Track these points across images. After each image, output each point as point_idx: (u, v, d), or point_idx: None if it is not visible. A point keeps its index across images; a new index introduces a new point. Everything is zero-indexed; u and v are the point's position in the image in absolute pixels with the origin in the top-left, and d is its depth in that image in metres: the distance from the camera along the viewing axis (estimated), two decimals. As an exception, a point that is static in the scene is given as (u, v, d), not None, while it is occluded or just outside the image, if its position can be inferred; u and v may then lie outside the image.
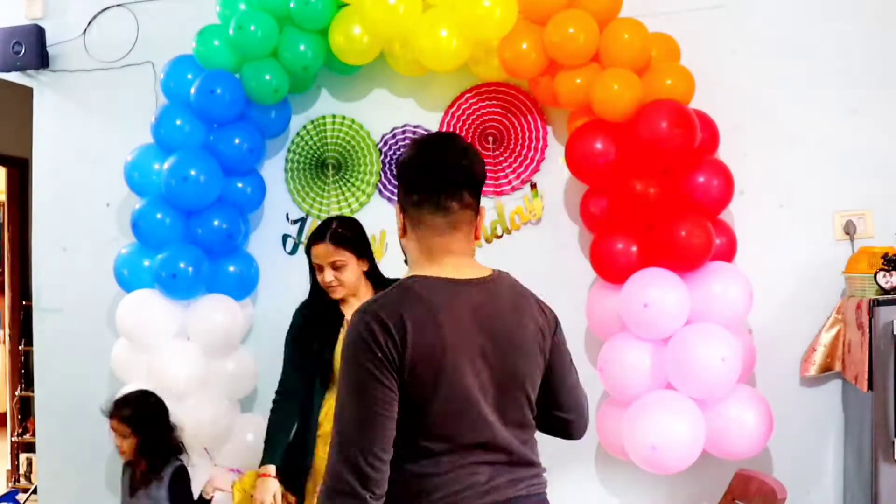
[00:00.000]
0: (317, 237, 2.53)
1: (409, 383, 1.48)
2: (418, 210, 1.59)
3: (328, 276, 2.51)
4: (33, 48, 3.73)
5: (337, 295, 2.55)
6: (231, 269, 3.31)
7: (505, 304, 1.61)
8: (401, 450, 1.50)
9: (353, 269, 2.52)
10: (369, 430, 1.45)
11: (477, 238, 1.65)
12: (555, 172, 3.24)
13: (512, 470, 1.59)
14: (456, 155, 1.60)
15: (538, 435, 1.73)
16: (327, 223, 2.56)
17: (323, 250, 2.50)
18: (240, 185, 3.33)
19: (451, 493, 1.52)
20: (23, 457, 5.14)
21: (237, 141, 3.22)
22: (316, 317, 2.60)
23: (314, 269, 2.58)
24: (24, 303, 5.35)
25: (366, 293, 2.54)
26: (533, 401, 1.64)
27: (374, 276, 2.60)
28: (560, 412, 1.75)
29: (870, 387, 2.53)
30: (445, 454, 1.53)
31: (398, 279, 1.63)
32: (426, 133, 3.38)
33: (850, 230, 2.96)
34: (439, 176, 1.58)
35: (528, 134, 3.29)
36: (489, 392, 1.55)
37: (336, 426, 1.49)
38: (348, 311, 2.55)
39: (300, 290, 3.52)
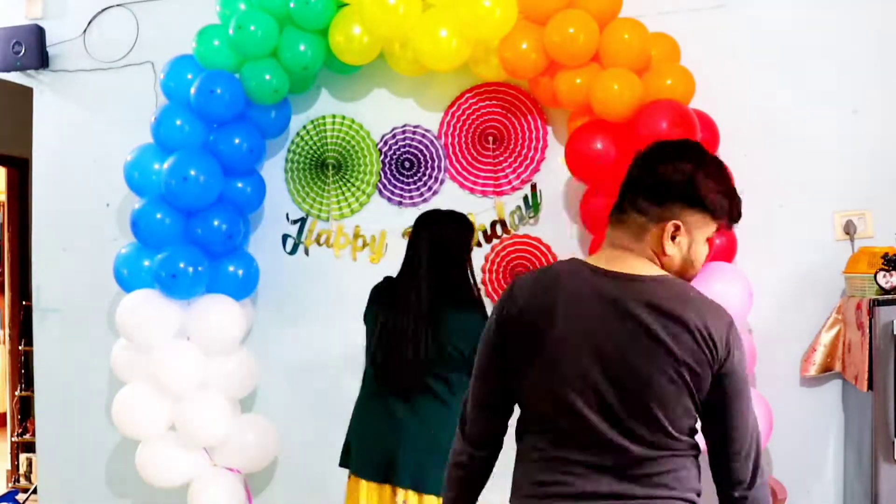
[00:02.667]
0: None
1: (510, 347, 1.59)
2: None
3: None
4: (33, 48, 3.73)
5: None
6: (231, 269, 3.31)
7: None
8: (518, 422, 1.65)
9: None
10: (475, 382, 1.67)
11: (662, 253, 1.57)
12: (555, 172, 3.24)
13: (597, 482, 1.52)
14: (655, 161, 1.61)
15: None
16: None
17: None
18: (240, 185, 3.33)
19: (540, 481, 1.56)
20: (23, 457, 5.14)
21: (237, 141, 3.22)
22: None
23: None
24: (24, 303, 5.35)
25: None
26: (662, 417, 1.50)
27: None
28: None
29: (870, 387, 2.53)
30: (540, 437, 1.59)
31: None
32: (426, 132, 3.39)
33: (850, 230, 2.96)
34: (630, 177, 1.64)
35: (528, 134, 3.29)
36: (603, 388, 1.49)
37: None
38: None
39: (300, 290, 3.54)
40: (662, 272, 1.56)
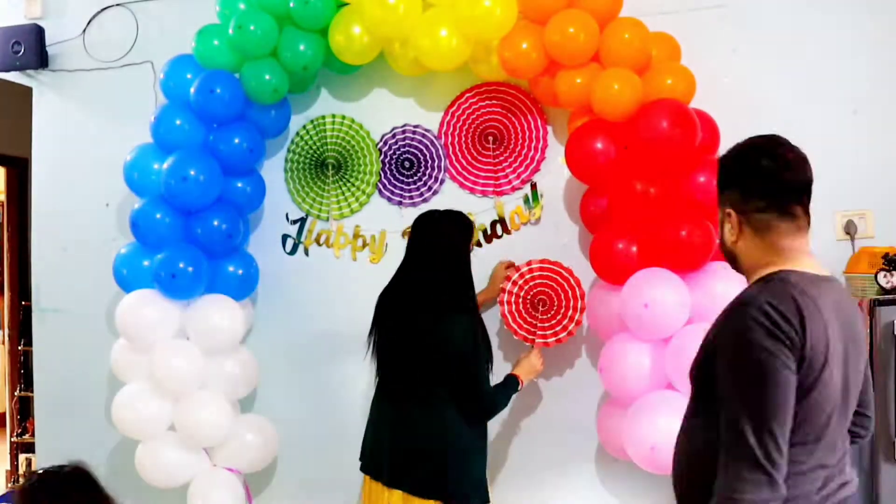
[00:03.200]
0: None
1: (801, 371, 1.53)
2: (764, 214, 1.66)
3: None
4: (33, 48, 3.73)
5: None
6: (231, 269, 3.31)
7: (853, 306, 1.72)
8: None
9: None
10: (782, 414, 1.50)
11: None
12: (555, 172, 3.24)
13: (844, 473, 1.66)
14: (799, 162, 1.67)
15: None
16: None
17: None
18: (239, 185, 3.33)
19: (813, 490, 1.57)
20: (22, 457, 5.13)
21: (237, 141, 3.22)
22: None
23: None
24: (23, 303, 5.35)
25: None
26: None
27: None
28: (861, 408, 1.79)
29: (870, 387, 2.53)
30: (812, 447, 1.58)
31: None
32: (426, 132, 3.39)
33: (850, 230, 2.96)
34: (789, 183, 1.66)
35: (528, 134, 3.28)
36: (841, 391, 1.61)
37: (740, 413, 1.51)
38: None
39: (300, 290, 3.53)
40: None
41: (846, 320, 1.64)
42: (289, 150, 3.56)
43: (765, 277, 1.65)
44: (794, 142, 3.02)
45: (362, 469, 2.76)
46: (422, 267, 2.66)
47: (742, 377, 1.54)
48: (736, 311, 1.60)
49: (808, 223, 1.70)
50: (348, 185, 3.49)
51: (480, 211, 3.31)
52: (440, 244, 2.67)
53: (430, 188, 3.39)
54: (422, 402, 2.61)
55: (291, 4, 3.08)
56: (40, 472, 2.16)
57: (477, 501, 2.65)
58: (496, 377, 2.77)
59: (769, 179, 1.66)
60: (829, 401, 1.58)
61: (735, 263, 1.76)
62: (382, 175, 3.45)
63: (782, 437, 1.50)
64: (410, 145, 3.42)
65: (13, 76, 3.86)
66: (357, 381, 3.38)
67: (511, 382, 2.77)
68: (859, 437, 1.83)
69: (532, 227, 3.29)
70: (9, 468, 5.22)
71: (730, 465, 1.51)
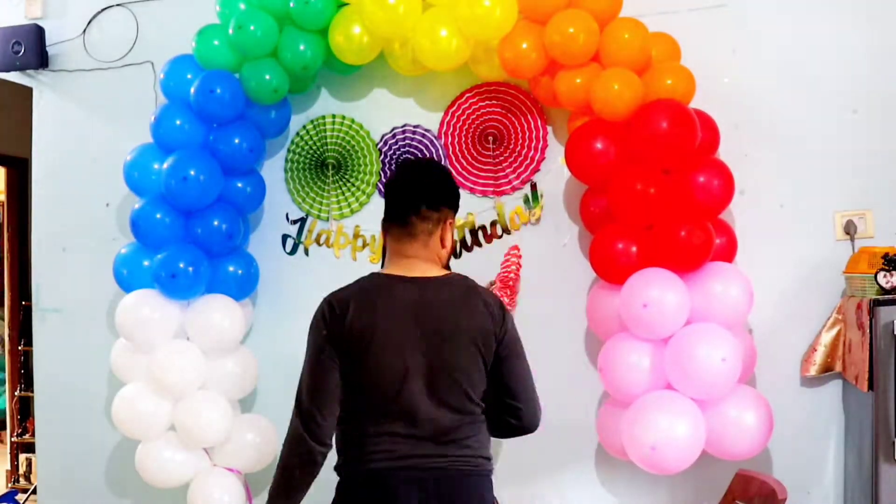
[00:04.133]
0: None
1: (345, 354, 1.90)
2: (387, 223, 2.06)
3: None
4: (33, 48, 3.73)
5: None
6: (231, 269, 3.31)
7: (443, 301, 1.94)
8: (341, 411, 1.93)
9: None
10: (318, 394, 1.93)
11: (444, 245, 2.02)
12: (555, 172, 3.24)
13: (437, 447, 1.89)
14: (418, 175, 2.06)
15: (535, 435, 1.81)
16: None
17: None
18: (240, 185, 3.33)
19: (367, 452, 1.89)
20: (22, 457, 5.14)
21: (237, 141, 3.21)
22: None
23: None
24: (23, 303, 5.36)
25: None
26: (472, 391, 1.93)
27: None
28: (509, 399, 1.99)
29: (870, 387, 2.52)
30: (369, 419, 1.90)
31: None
32: (426, 132, 3.39)
33: (850, 230, 2.96)
34: (401, 194, 2.03)
35: (528, 134, 3.28)
36: (420, 374, 1.89)
37: (298, 390, 1.97)
38: None
39: (300, 290, 3.53)
40: None
41: (420, 312, 1.92)
42: (289, 150, 3.56)
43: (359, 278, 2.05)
44: (794, 142, 3.05)
45: None
46: None
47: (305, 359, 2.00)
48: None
49: (428, 229, 2.02)
50: (348, 185, 3.49)
51: (480, 211, 3.31)
52: None
53: (430, 188, 3.38)
54: None
55: (291, 4, 3.08)
56: None
57: None
58: None
59: (388, 192, 2.13)
60: (383, 376, 1.90)
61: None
62: (382, 175, 3.45)
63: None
64: (410, 145, 3.42)
65: (13, 76, 3.86)
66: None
67: None
68: (517, 426, 2.02)
69: (532, 226, 3.29)
70: (9, 468, 5.22)
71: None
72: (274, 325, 3.55)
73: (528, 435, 2.08)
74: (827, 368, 2.90)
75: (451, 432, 1.90)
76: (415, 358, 1.89)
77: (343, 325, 1.89)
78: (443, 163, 3.37)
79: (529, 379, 2.02)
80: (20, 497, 4.63)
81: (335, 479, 2.03)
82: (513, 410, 1.99)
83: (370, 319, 1.89)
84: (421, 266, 1.99)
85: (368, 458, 1.90)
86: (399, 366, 1.88)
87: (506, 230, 3.30)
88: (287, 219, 3.56)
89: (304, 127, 3.53)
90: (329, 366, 1.91)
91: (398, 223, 2.01)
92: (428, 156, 3.39)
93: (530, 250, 3.25)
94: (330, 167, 3.51)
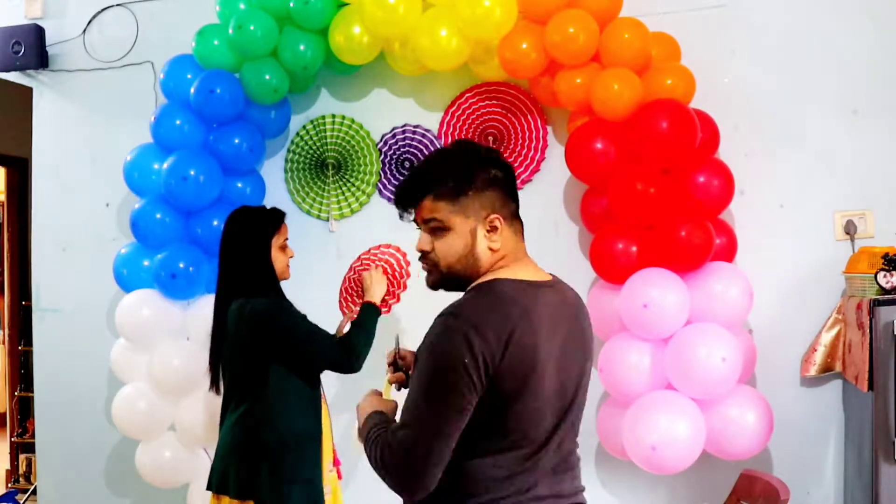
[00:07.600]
0: None
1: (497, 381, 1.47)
2: (507, 216, 1.69)
3: None
4: (33, 48, 3.73)
5: None
6: (231, 269, 3.31)
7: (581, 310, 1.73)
8: (475, 445, 1.48)
9: None
10: (442, 441, 1.44)
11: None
12: (555, 172, 3.24)
13: (574, 474, 1.60)
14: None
15: None
16: None
17: None
18: (239, 185, 3.33)
19: (521, 489, 1.50)
20: (22, 457, 5.14)
21: (237, 141, 3.22)
22: None
23: None
24: (23, 303, 5.35)
25: None
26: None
27: None
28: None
29: (870, 387, 2.52)
30: (518, 452, 1.50)
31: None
32: (426, 132, 3.39)
33: (850, 230, 2.96)
34: (513, 185, 1.71)
35: (528, 134, 3.28)
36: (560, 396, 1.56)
37: (410, 418, 1.47)
38: None
39: (300, 290, 3.52)
40: None
41: (562, 322, 1.61)
42: (289, 150, 3.56)
43: (478, 286, 1.60)
44: (794, 142, 3.04)
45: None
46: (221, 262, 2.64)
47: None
48: (447, 320, 1.51)
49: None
50: (348, 185, 3.49)
51: (480, 211, 3.31)
52: (225, 239, 2.62)
53: (430, 188, 3.38)
54: (240, 395, 2.54)
55: (291, 4, 3.08)
56: None
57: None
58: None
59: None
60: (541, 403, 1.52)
61: (466, 277, 1.63)
62: (382, 175, 3.45)
63: None
64: (410, 145, 3.42)
65: (13, 76, 3.86)
66: (356, 381, 3.38)
67: (367, 310, 2.71)
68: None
69: (531, 226, 3.28)
70: (9, 468, 5.22)
71: None
72: (274, 325, 3.55)
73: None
74: (827, 368, 2.90)
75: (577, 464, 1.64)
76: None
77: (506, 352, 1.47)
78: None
79: None
80: (20, 497, 4.63)
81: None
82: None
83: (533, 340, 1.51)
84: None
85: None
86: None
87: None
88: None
89: (304, 127, 3.53)
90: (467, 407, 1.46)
91: (518, 215, 1.72)
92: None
93: (530, 250, 3.23)
94: (330, 167, 3.51)
